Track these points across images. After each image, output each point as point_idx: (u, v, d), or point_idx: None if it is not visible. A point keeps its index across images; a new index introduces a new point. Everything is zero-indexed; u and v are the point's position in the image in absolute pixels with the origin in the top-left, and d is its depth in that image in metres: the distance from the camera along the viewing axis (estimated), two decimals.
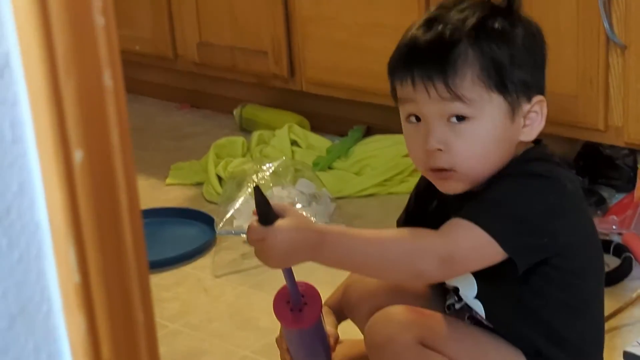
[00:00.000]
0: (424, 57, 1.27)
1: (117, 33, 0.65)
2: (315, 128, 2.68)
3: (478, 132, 1.27)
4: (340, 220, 2.19)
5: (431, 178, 1.33)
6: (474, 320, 1.39)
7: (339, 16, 2.45)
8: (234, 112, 2.83)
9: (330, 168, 2.48)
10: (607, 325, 1.75)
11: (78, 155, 0.63)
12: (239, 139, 2.59)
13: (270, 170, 2.26)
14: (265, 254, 1.27)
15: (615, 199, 2.16)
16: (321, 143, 2.58)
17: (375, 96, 2.34)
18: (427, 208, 1.43)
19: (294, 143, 2.57)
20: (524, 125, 1.30)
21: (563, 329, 1.34)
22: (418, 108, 1.28)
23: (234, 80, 2.80)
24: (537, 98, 1.30)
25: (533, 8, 2.10)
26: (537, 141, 1.35)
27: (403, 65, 1.29)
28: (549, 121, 2.13)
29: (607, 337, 1.73)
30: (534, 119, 1.30)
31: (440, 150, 1.27)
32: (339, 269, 1.35)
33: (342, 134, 2.63)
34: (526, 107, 1.29)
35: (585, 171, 2.21)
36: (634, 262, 1.94)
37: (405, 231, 1.31)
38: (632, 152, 2.18)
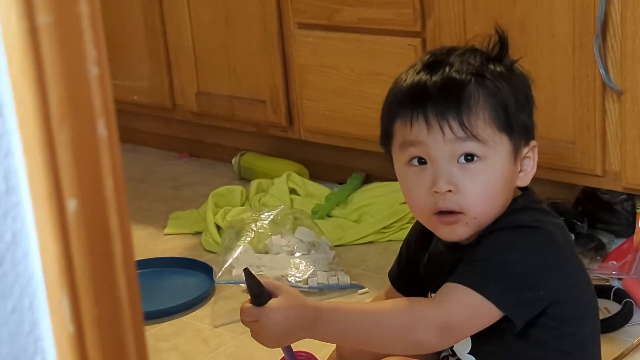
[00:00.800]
0: (437, 97, 1.26)
1: (111, 83, 0.65)
2: (314, 176, 2.69)
3: (488, 172, 1.26)
4: (340, 268, 2.18)
5: (433, 224, 1.30)
6: None
7: (336, 65, 2.46)
8: (233, 161, 2.83)
9: (329, 216, 2.48)
10: None
11: (72, 204, 0.63)
12: (238, 188, 2.59)
13: (269, 219, 2.25)
14: (260, 335, 1.25)
15: (615, 244, 2.15)
16: (320, 191, 2.58)
17: (374, 144, 2.32)
18: (418, 261, 1.42)
19: (292, 191, 2.57)
20: (520, 170, 1.30)
21: None
22: (425, 150, 1.26)
23: (232, 129, 2.81)
24: (533, 142, 1.31)
25: (529, 54, 2.12)
26: (524, 187, 1.35)
27: (412, 106, 1.27)
28: (547, 167, 2.15)
29: None
30: (527, 164, 1.31)
31: (450, 191, 1.26)
32: (336, 344, 1.33)
33: (341, 182, 2.63)
34: (525, 150, 1.30)
35: (584, 216, 2.21)
36: (635, 308, 1.93)
37: (400, 302, 1.28)
38: (631, 196, 2.18)
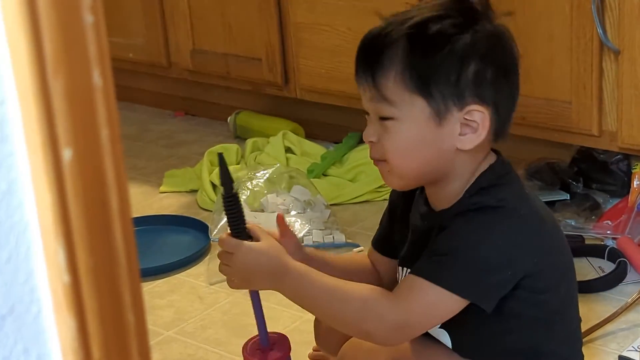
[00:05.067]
0: (362, 57, 1.28)
1: (106, 31, 0.65)
2: (310, 135, 2.68)
3: (402, 132, 1.26)
4: (335, 227, 2.18)
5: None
6: None
7: (333, 23, 2.45)
8: (228, 120, 2.83)
9: (324, 175, 2.48)
10: (602, 330, 1.75)
11: (67, 153, 0.63)
12: (233, 146, 2.59)
13: (265, 177, 2.25)
14: (230, 269, 1.29)
15: (610, 203, 2.16)
16: (316, 150, 2.58)
17: None
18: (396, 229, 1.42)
19: (288, 150, 2.57)
20: (460, 134, 1.25)
21: (539, 344, 1.31)
22: (364, 105, 1.30)
23: (227, 87, 2.80)
24: (471, 107, 1.24)
25: (526, 14, 2.11)
26: (497, 151, 1.32)
27: (355, 64, 1.30)
28: (544, 127, 2.15)
29: (601, 341, 1.74)
30: (467, 129, 1.25)
31: (372, 142, 1.29)
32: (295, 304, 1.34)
33: (337, 141, 2.63)
34: (457, 114, 1.24)
35: (579, 176, 2.21)
36: (629, 267, 1.94)
37: (361, 288, 1.28)
38: (626, 156, 2.18)
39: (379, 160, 1.30)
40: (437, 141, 1.26)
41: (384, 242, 1.44)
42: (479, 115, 1.24)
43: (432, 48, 1.23)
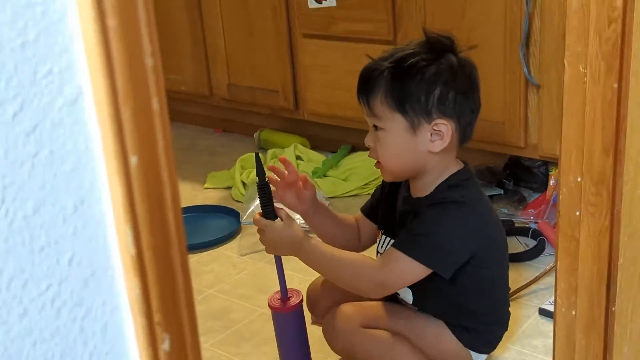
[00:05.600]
0: (359, 84, 1.28)
1: (162, 70, 0.64)
2: (314, 146, 2.67)
3: (386, 139, 1.26)
4: None
5: None
6: (402, 303, 1.38)
7: (332, 64, 2.44)
8: (254, 135, 2.82)
9: (325, 176, 2.47)
10: (527, 290, 1.74)
11: (134, 160, 0.63)
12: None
13: None
14: (263, 241, 1.33)
15: (533, 197, 2.15)
16: (318, 157, 2.57)
17: (359, 123, 2.34)
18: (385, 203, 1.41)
19: (298, 157, 2.56)
20: (431, 140, 1.25)
21: (475, 305, 1.32)
22: (364, 117, 1.30)
23: (254, 111, 2.79)
24: (437, 121, 1.23)
25: (473, 56, 2.09)
26: (465, 162, 1.32)
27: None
28: (484, 141, 2.14)
29: (527, 298, 1.73)
30: (435, 137, 1.25)
31: (371, 146, 1.28)
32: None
33: (334, 151, 2.62)
34: (427, 126, 1.24)
35: (510, 177, 2.20)
36: (546, 243, 1.93)
37: (356, 257, 1.29)
38: (545, 162, 2.18)
39: (377, 163, 1.30)
40: (414, 146, 1.26)
41: (371, 210, 1.44)
42: (444, 127, 1.24)
43: (406, 77, 1.23)
